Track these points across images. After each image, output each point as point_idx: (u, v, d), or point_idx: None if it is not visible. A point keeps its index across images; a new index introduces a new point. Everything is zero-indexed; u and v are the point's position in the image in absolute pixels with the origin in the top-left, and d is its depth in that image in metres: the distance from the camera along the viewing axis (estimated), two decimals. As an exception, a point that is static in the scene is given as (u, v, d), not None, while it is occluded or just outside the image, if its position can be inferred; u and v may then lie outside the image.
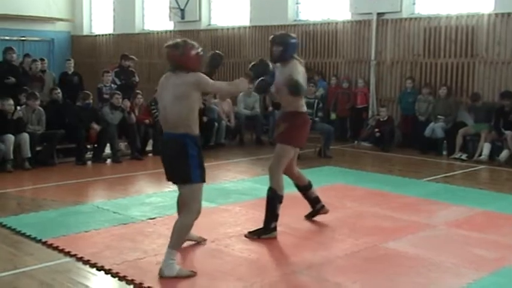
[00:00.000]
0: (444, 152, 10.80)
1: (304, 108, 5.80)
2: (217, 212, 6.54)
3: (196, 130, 4.62)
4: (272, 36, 5.93)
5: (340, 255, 5.12)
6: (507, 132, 10.02)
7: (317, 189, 6.83)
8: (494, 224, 6.20)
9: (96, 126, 9.74)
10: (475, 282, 4.52)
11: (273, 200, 5.69)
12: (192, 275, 4.58)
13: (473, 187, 8.09)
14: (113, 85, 11.27)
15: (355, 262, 4.99)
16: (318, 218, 6.29)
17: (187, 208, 4.70)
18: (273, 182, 5.73)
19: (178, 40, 4.90)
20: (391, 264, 4.98)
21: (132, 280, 4.46)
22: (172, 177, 4.72)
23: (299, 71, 5.61)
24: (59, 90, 10.14)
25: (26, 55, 13.11)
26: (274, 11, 13.95)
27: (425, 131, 10.95)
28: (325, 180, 8.24)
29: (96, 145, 9.95)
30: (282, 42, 5.80)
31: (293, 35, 6.08)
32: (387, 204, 6.96)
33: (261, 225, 5.69)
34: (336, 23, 13.10)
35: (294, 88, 5.41)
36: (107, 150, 9.98)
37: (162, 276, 4.51)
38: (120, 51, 14.24)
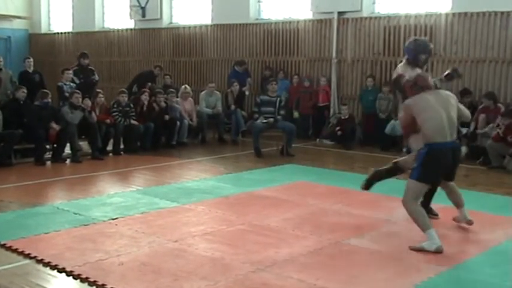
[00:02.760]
0: (404, 149, 10.95)
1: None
2: (180, 211, 6.50)
3: None
4: None
5: (303, 252, 5.15)
6: (463, 130, 10.23)
7: (279, 187, 6.87)
8: (450, 219, 6.31)
9: (55, 126, 9.55)
10: (435, 277, 4.60)
11: None
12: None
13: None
14: (72, 84, 11.07)
15: (318, 259, 5.02)
16: (280, 215, 6.31)
17: None
18: None
19: None
20: (354, 260, 5.02)
21: (95, 281, 4.39)
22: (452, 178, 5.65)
23: None
24: (24, 89, 9.83)
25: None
26: (236, 9, 13.95)
27: (385, 129, 11.09)
28: (288, 178, 8.28)
29: (55, 145, 9.77)
30: None
31: None
32: (349, 201, 7.03)
33: (224, 224, 5.68)
34: (298, 22, 13.18)
35: None
36: (67, 150, 9.81)
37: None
38: (79, 50, 14.02)
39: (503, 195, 7.49)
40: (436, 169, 5.34)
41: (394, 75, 6.19)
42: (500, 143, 9.35)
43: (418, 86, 5.43)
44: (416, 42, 6.28)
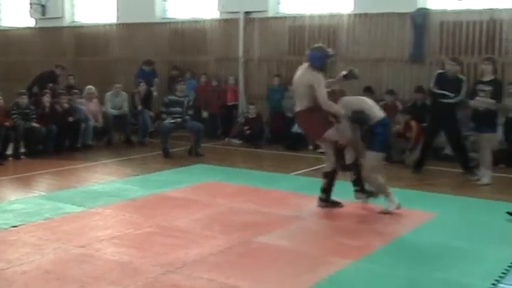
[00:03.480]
0: (310, 147, 11.22)
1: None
2: (87, 215, 6.31)
3: None
4: None
5: (213, 251, 5.15)
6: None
7: (188, 188, 6.82)
8: (358, 213, 6.56)
9: None
10: (342, 270, 4.75)
11: None
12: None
13: (339, 179, 8.46)
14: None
15: (228, 258, 5.04)
16: (189, 216, 6.28)
17: None
18: None
19: None
20: (264, 257, 5.08)
21: (-6, 293, 4.19)
22: None
23: None
24: None
25: None
26: (141, 8, 13.74)
27: (292, 127, 11.29)
28: (197, 179, 8.25)
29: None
30: None
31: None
32: (258, 199, 7.11)
33: (132, 227, 5.58)
34: (204, 22, 13.16)
35: None
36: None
37: None
38: (-26, 49, 13.31)
39: (402, 188, 7.82)
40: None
41: (309, 83, 6.35)
42: (399, 139, 9.78)
43: (338, 95, 6.63)
44: (322, 50, 6.58)
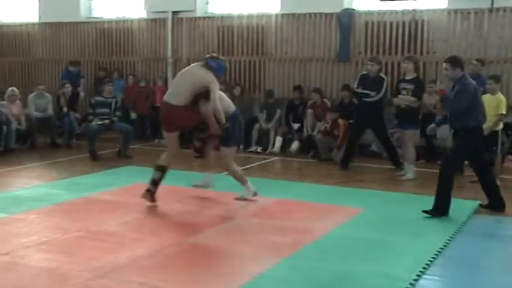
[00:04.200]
0: (241, 146, 11.25)
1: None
2: (10, 222, 6.07)
3: None
4: None
5: (143, 254, 5.07)
6: (295, 125, 10.79)
7: (117, 191, 6.68)
8: (289, 210, 6.63)
9: None
10: (273, 267, 4.78)
11: None
12: None
13: (269, 178, 8.57)
14: None
15: (159, 260, 4.98)
16: (118, 219, 6.15)
17: None
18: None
19: None
20: (195, 258, 5.05)
21: None
22: None
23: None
24: None
25: None
26: (65, 7, 13.38)
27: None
28: (126, 181, 8.11)
29: None
30: None
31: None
32: (188, 200, 7.07)
33: (59, 233, 5.42)
34: (132, 21, 12.96)
35: None
36: None
37: None
38: None
39: (331, 185, 7.99)
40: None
41: (206, 82, 6.49)
42: (328, 137, 9.97)
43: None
44: (225, 63, 6.96)
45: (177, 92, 6.59)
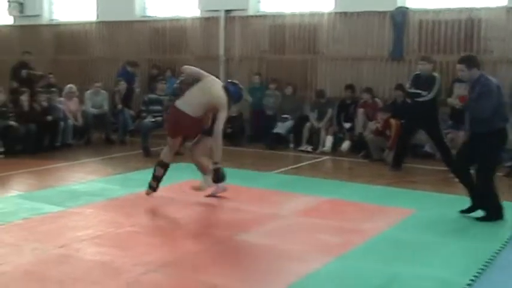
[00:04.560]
0: (291, 145, 11.26)
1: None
2: (66, 215, 6.26)
3: None
4: None
5: (194, 250, 5.14)
6: (346, 124, 10.71)
7: (169, 187, 6.80)
8: (339, 210, 6.59)
9: None
10: (322, 267, 4.77)
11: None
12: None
13: (319, 177, 8.54)
14: None
15: (210, 256, 5.04)
16: (171, 215, 6.26)
17: None
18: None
19: None
20: (244, 255, 5.10)
21: (-28, 294, 4.14)
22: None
23: None
24: None
25: None
26: (121, 6, 13.65)
27: (273, 129, 11.29)
28: (177, 177, 8.19)
29: None
30: None
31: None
32: (239, 197, 7.11)
33: (113, 227, 5.55)
34: (185, 20, 13.12)
35: None
36: None
37: None
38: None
39: (382, 186, 7.89)
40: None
41: (219, 104, 6.45)
42: (379, 137, 9.85)
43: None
44: (243, 92, 7.08)
45: (191, 102, 6.50)
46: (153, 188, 6.87)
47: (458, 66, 5.98)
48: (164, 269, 4.69)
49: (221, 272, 4.66)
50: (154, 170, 6.89)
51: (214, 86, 6.59)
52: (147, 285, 4.39)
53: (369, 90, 10.63)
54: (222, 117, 6.39)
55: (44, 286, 4.34)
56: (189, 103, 6.51)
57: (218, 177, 6.53)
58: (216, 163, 6.46)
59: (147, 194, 6.88)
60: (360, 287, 4.43)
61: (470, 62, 5.93)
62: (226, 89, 6.60)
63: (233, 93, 6.67)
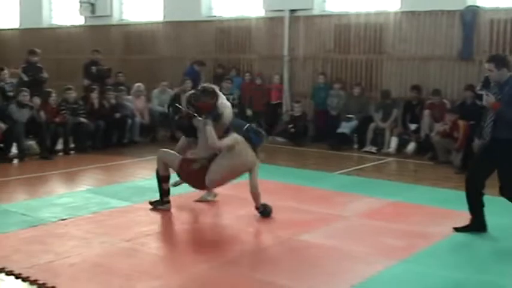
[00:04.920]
0: (355, 146, 11.14)
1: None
2: (133, 210, 6.43)
3: None
4: None
5: (255, 248, 5.18)
6: (412, 126, 10.50)
7: (230, 185, 6.84)
8: (402, 213, 6.47)
9: (1, 125, 9.31)
10: (385, 270, 4.70)
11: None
12: None
13: (383, 179, 8.41)
14: (13, 81, 10.75)
15: (270, 255, 5.06)
16: (233, 213, 6.30)
17: None
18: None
19: None
20: (305, 256, 5.08)
21: (44, 284, 4.31)
22: None
23: None
24: None
25: None
26: (187, 6, 13.87)
27: (337, 129, 11.20)
28: (240, 176, 8.27)
29: (1, 144, 9.51)
30: None
31: None
32: (301, 197, 7.10)
33: (177, 223, 5.66)
34: (250, 20, 13.20)
35: None
36: (14, 149, 9.56)
37: None
38: (27, 47, 13.67)
39: (450, 189, 7.69)
40: None
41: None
42: (446, 139, 9.60)
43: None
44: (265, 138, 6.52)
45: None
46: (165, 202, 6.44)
47: (487, 65, 5.60)
48: (226, 266, 4.74)
49: (282, 271, 4.67)
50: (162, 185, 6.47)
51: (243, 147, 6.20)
52: (208, 281, 4.46)
53: (437, 92, 10.36)
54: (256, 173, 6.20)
55: (111, 278, 4.47)
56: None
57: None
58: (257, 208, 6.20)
59: (153, 208, 6.45)
60: (423, 291, 4.34)
61: (499, 61, 5.54)
62: (248, 138, 6.22)
63: (255, 142, 6.27)
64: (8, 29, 17.78)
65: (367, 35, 11.62)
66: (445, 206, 6.68)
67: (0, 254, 4.93)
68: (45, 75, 11.53)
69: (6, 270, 4.57)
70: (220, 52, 13.63)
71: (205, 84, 6.61)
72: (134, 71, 14.50)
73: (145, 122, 11.78)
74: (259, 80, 12.67)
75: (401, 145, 10.59)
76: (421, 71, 11.07)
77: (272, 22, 12.84)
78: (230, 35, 13.46)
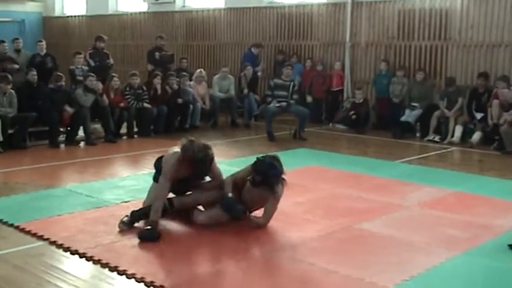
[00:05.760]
0: (418, 134, 10.91)
1: None
2: (193, 194, 6.50)
3: None
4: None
5: (314, 236, 5.15)
6: (478, 115, 10.16)
7: (291, 171, 6.84)
8: (466, 204, 6.30)
9: (69, 109, 9.62)
10: (447, 261, 4.59)
11: None
12: None
13: (446, 168, 8.20)
14: (84, 67, 11.13)
15: (329, 243, 5.03)
16: (291, 199, 6.29)
17: None
18: None
19: None
20: (365, 244, 5.02)
21: (107, 263, 4.43)
22: None
23: None
24: (35, 72, 9.88)
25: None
26: (248, -8, 13.88)
27: (401, 118, 10.99)
28: (300, 162, 8.27)
29: (69, 128, 9.84)
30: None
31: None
32: (361, 185, 7.02)
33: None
34: (311, 6, 13.07)
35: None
36: (81, 133, 9.87)
37: None
38: (93, 33, 14.05)
39: (516, 180, 7.43)
40: None
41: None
42: (514, 129, 9.25)
43: None
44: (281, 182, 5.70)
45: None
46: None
47: None
48: (283, 253, 4.75)
49: (339, 260, 4.63)
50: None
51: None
52: (266, 268, 4.47)
53: (505, 78, 9.97)
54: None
55: (171, 261, 4.54)
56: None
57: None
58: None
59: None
60: (485, 285, 4.21)
61: None
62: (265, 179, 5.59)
63: (272, 176, 5.62)
64: (75, 16, 18.29)
65: (433, 20, 11.30)
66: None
67: (66, 233, 5.11)
68: (111, 61, 11.84)
69: (72, 249, 4.73)
70: (281, 38, 13.57)
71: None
72: (196, 57, 14.66)
73: (206, 108, 11.91)
74: (320, 66, 12.57)
75: (466, 134, 10.28)
76: (488, 58, 10.70)
77: (334, 8, 12.67)
78: (291, 21, 13.37)
